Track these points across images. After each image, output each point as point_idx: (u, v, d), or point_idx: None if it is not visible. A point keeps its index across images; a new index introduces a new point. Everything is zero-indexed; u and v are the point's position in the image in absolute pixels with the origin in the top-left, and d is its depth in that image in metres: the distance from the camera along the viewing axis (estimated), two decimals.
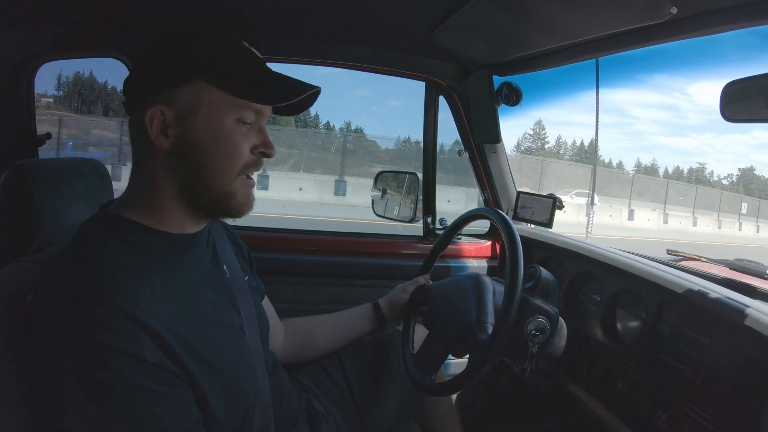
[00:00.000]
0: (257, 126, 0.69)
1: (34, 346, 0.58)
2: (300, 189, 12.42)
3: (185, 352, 0.60)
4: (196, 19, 1.20)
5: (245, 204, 0.70)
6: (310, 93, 0.68)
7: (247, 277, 0.86)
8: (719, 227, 18.63)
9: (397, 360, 1.09)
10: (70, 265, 0.61)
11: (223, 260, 0.78)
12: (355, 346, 1.12)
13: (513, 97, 1.36)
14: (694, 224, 17.62)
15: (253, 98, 0.66)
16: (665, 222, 16.88)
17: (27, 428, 0.60)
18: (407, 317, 1.12)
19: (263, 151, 0.69)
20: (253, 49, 0.70)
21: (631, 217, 16.23)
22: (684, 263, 1.25)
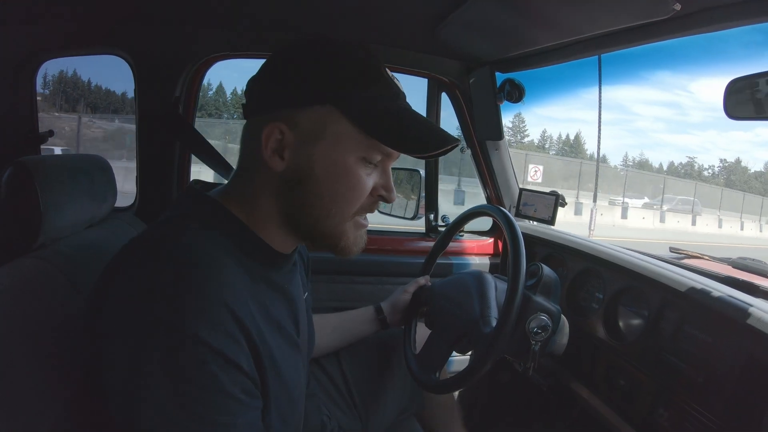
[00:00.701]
0: (382, 167, 0.63)
1: (104, 333, 0.52)
2: None
3: (268, 361, 0.57)
4: (201, 17, 1.20)
5: (355, 246, 0.65)
6: (451, 147, 0.61)
7: (306, 294, 0.81)
8: (720, 226, 18.17)
9: (397, 358, 1.10)
10: (170, 244, 0.54)
11: (298, 274, 0.75)
12: (355, 345, 1.11)
13: (515, 94, 1.35)
14: (693, 223, 17.23)
15: (388, 143, 0.59)
16: (661, 221, 16.54)
17: (46, 424, 0.60)
18: (408, 318, 1.12)
19: (383, 195, 0.63)
20: (395, 79, 0.63)
21: (624, 215, 15.86)
22: (687, 261, 1.25)
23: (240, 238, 0.60)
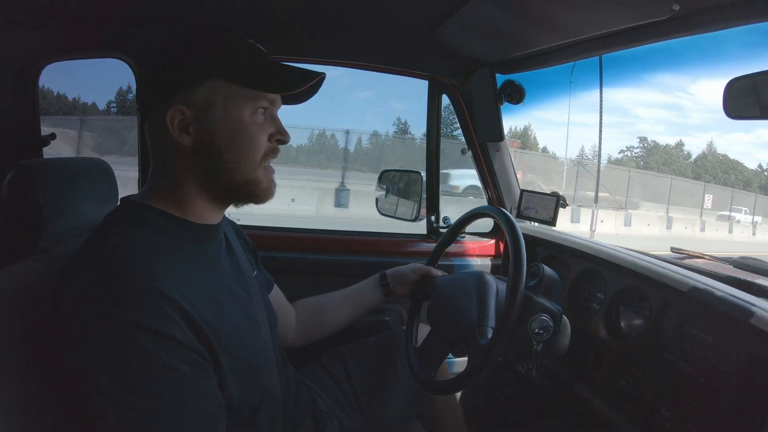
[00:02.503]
0: (270, 115, 0.73)
1: (60, 332, 0.58)
2: (292, 200, 9.73)
3: (213, 334, 0.62)
4: (201, 20, 1.21)
5: (269, 189, 0.74)
6: (317, 79, 0.71)
7: (255, 272, 0.89)
8: (730, 232, 16.43)
9: (400, 360, 1.10)
10: (98, 249, 0.62)
11: (237, 252, 0.82)
12: (359, 346, 1.13)
13: (516, 96, 1.36)
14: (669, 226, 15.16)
15: (268, 89, 0.70)
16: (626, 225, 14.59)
17: (47, 424, 0.61)
18: (411, 311, 1.13)
19: (279, 138, 0.73)
20: (258, 45, 0.73)
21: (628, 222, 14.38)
22: (688, 261, 1.25)
23: (166, 225, 0.68)
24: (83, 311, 0.57)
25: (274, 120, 0.73)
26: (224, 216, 0.79)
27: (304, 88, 0.71)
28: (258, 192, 0.72)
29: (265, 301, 0.86)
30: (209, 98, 0.67)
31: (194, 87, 0.67)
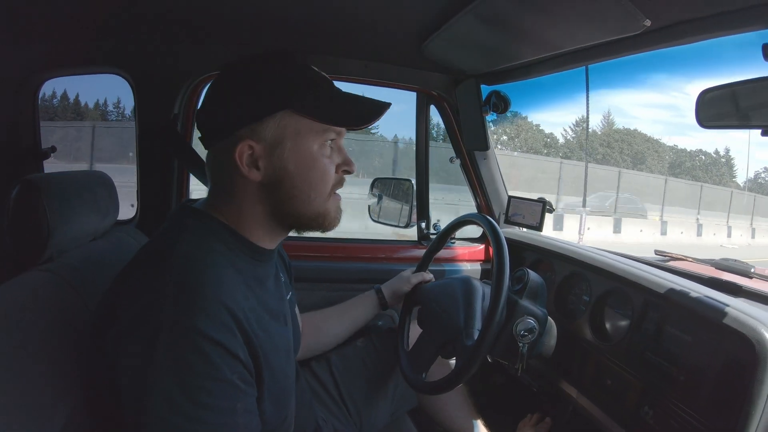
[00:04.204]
0: (336, 146, 0.72)
1: (118, 333, 0.57)
2: None
3: (261, 351, 0.63)
4: (197, 35, 1.24)
5: (336, 218, 0.74)
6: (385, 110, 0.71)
7: (290, 293, 0.88)
8: (729, 235, 15.50)
9: (386, 359, 1.13)
10: (169, 256, 0.61)
11: (280, 276, 0.82)
12: (346, 349, 1.15)
13: (501, 106, 1.39)
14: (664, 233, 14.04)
15: (338, 122, 0.69)
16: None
17: (59, 426, 0.62)
18: (402, 315, 1.16)
19: (346, 169, 0.73)
20: (321, 72, 0.72)
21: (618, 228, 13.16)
22: (671, 263, 1.28)
23: (230, 240, 0.67)
24: (155, 316, 0.56)
25: (341, 151, 0.72)
26: None
27: (376, 121, 0.70)
28: (327, 223, 0.72)
29: (294, 323, 0.86)
30: (279, 132, 0.65)
31: (264, 119, 0.65)
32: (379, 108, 0.70)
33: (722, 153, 30.40)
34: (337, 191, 0.74)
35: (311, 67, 0.71)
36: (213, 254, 0.63)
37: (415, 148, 1.64)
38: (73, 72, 1.32)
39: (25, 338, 0.64)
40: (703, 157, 29.73)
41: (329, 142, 0.70)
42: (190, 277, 0.58)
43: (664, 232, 13.76)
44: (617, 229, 12.81)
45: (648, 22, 0.86)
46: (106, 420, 0.62)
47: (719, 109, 0.89)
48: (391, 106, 0.72)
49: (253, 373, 0.62)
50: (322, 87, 0.70)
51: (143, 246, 0.68)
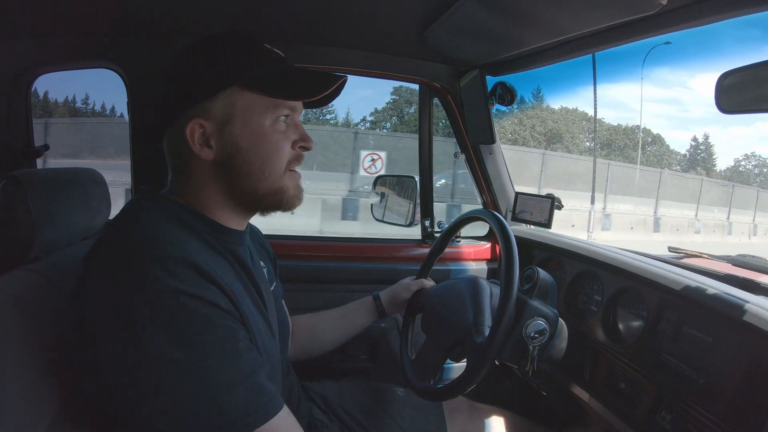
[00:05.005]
0: (292, 122, 0.71)
1: (92, 318, 0.57)
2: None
3: (243, 313, 0.63)
4: (191, 29, 1.21)
5: (296, 196, 0.73)
6: (339, 83, 0.70)
7: (274, 284, 0.88)
8: (730, 233, 15.24)
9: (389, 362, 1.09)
10: (126, 235, 0.61)
11: (256, 262, 0.81)
12: (343, 388, 1.09)
13: (507, 97, 1.35)
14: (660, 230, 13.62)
15: (289, 96, 0.69)
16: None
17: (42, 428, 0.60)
18: (405, 322, 1.12)
19: (303, 145, 0.72)
20: (275, 49, 0.72)
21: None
22: (686, 261, 1.23)
23: (191, 221, 0.66)
24: (123, 285, 0.56)
25: (297, 126, 0.72)
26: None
27: (326, 93, 0.69)
28: (285, 200, 0.72)
29: (279, 312, 0.85)
30: (228, 109, 0.66)
31: (212, 98, 0.65)
32: (330, 80, 0.69)
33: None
34: (296, 169, 0.73)
35: (263, 45, 0.71)
36: (179, 228, 0.64)
37: (418, 146, 1.60)
38: (65, 67, 1.30)
39: (6, 341, 0.61)
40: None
41: (283, 117, 0.69)
42: (153, 244, 0.58)
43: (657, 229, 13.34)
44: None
45: (664, 1, 0.81)
46: (85, 424, 0.61)
47: (745, 92, 0.84)
48: (347, 81, 0.71)
49: (238, 319, 0.62)
50: (273, 62, 0.70)
51: (102, 232, 0.67)
